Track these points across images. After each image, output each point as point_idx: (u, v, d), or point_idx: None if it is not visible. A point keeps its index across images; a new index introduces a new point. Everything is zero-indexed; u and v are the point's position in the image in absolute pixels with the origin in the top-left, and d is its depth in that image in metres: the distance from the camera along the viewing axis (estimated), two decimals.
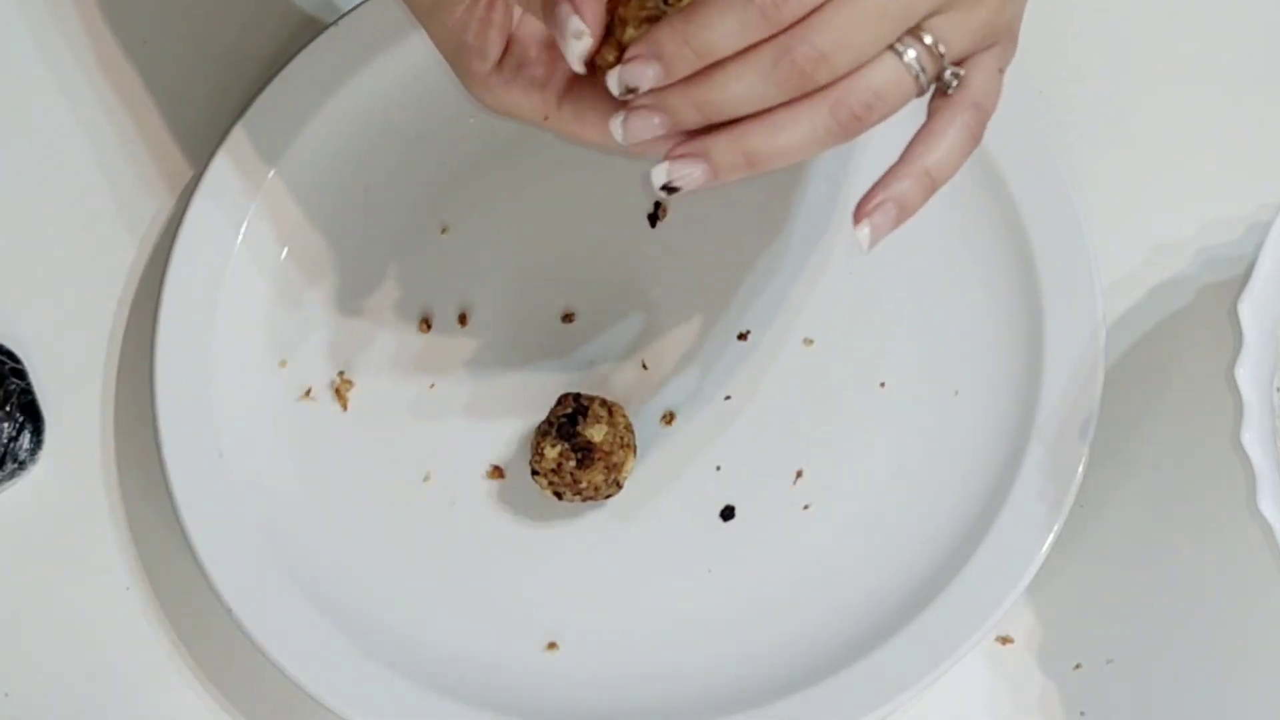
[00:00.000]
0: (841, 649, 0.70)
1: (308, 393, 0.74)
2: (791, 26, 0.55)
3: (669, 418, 0.74)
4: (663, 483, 0.73)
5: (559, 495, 0.70)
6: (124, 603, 0.73)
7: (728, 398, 0.74)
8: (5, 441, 0.73)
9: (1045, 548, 0.69)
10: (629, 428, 0.71)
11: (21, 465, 0.74)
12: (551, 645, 0.71)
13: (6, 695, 0.73)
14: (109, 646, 0.73)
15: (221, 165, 0.74)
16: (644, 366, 0.74)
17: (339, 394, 0.74)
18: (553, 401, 0.71)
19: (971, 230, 0.74)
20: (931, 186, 0.59)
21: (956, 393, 0.73)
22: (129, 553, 0.74)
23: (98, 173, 0.77)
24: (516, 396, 0.74)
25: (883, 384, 0.73)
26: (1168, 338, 0.74)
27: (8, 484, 0.74)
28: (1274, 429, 0.65)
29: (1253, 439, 0.64)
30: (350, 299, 0.75)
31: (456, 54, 0.61)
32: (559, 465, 0.69)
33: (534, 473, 0.70)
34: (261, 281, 0.74)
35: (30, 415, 0.74)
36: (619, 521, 0.73)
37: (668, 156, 0.58)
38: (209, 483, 0.71)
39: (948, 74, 0.57)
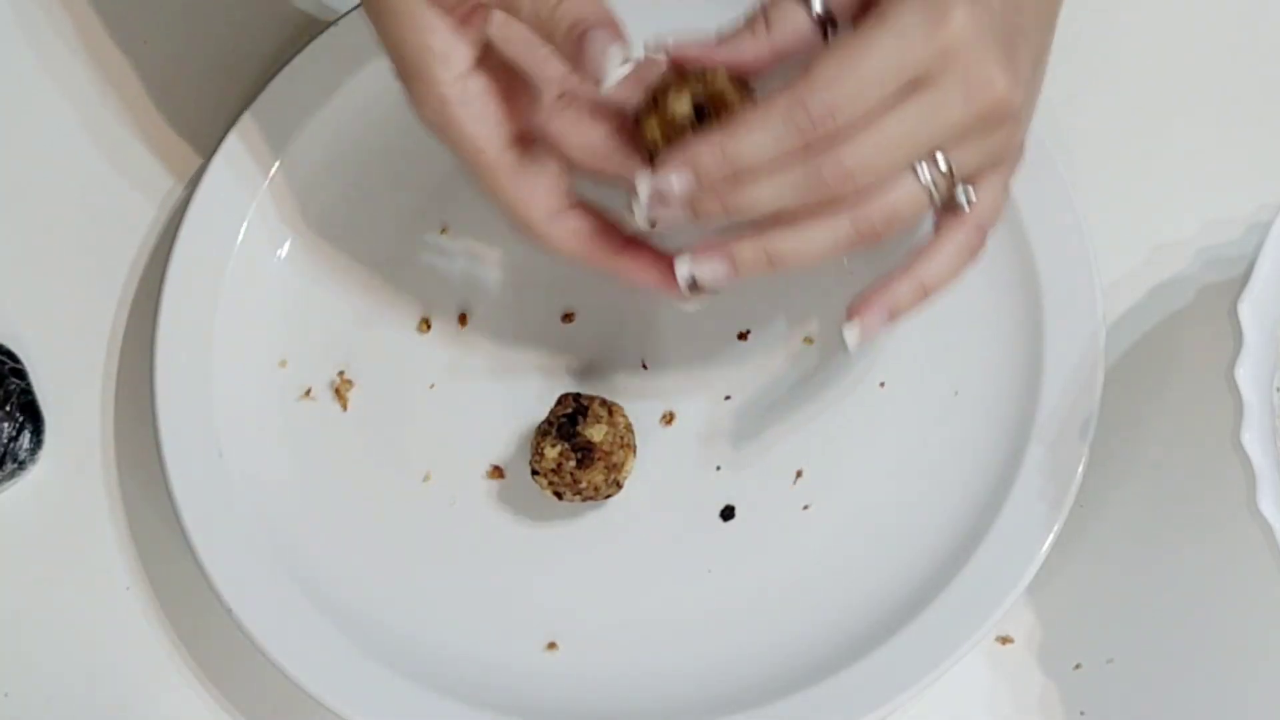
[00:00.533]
0: (841, 649, 0.70)
1: (308, 392, 0.74)
2: (828, 156, 0.58)
3: (669, 418, 0.74)
4: (663, 483, 0.73)
5: (559, 495, 0.70)
6: (124, 603, 0.73)
7: (728, 398, 0.74)
8: (5, 441, 0.73)
9: (1045, 548, 0.69)
10: (629, 428, 0.71)
11: (21, 465, 0.74)
12: (551, 645, 0.71)
13: (6, 695, 0.73)
14: (109, 646, 0.73)
15: (222, 165, 0.74)
16: (644, 366, 0.74)
17: (339, 394, 0.74)
18: (553, 401, 0.71)
19: None
20: (925, 296, 0.62)
21: (956, 393, 0.73)
22: (129, 553, 0.74)
23: (97, 173, 0.77)
24: (516, 396, 0.74)
25: (883, 384, 0.73)
26: (1168, 338, 0.74)
27: (8, 484, 0.74)
28: (1274, 429, 0.65)
29: (1253, 439, 0.64)
30: (350, 299, 0.75)
31: (420, 56, 0.61)
32: (559, 465, 0.69)
33: (534, 473, 0.70)
34: (261, 281, 0.74)
35: (30, 415, 0.74)
36: (619, 521, 0.73)
37: (694, 252, 0.61)
38: (209, 483, 0.71)
39: (959, 195, 0.61)
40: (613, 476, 0.70)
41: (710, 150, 0.58)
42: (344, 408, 0.74)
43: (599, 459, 0.69)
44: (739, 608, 0.72)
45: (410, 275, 0.75)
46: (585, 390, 0.72)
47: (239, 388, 0.73)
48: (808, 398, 0.73)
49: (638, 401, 0.73)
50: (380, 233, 0.75)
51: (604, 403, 0.70)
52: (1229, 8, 0.77)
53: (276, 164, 0.74)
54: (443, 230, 0.75)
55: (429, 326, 0.75)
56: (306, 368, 0.74)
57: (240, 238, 0.74)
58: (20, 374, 0.74)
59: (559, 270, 0.75)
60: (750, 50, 0.61)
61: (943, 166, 0.59)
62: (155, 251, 0.76)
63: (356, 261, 0.75)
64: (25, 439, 0.74)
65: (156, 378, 0.72)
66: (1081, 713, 0.71)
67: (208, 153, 0.75)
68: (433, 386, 0.74)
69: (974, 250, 0.62)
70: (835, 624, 0.70)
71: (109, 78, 0.77)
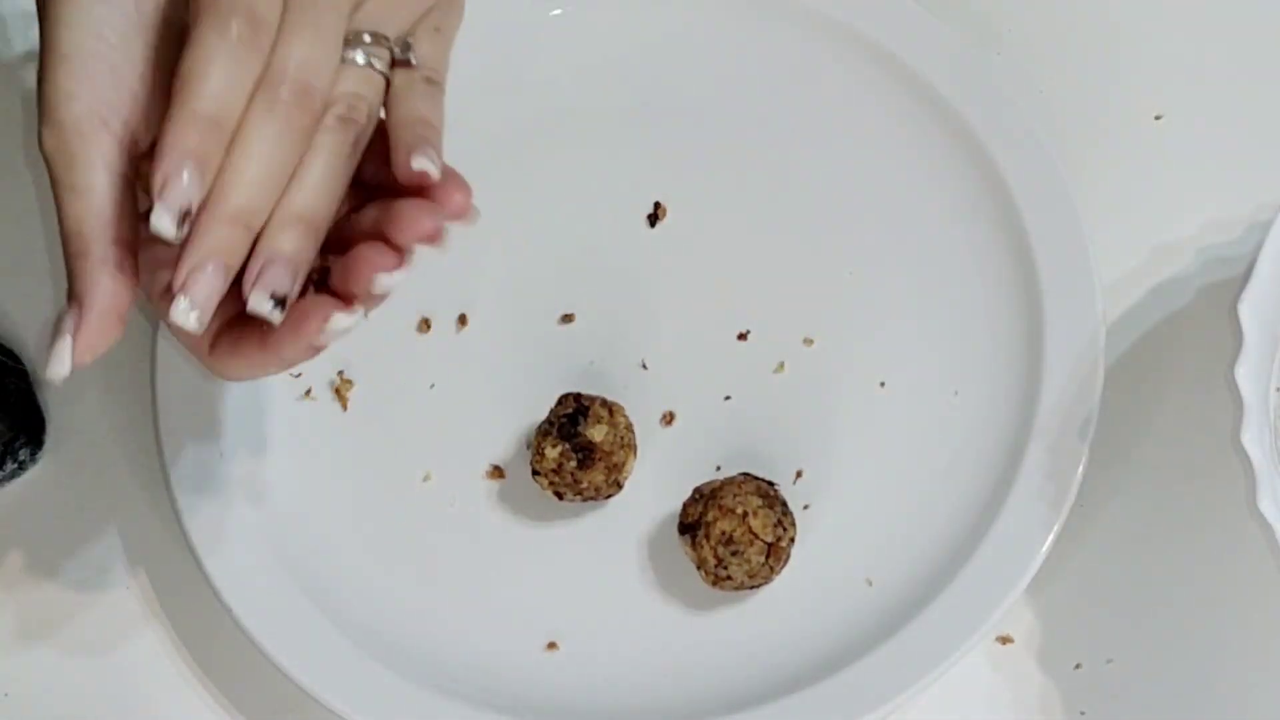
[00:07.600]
0: (842, 649, 0.70)
1: (308, 393, 0.74)
2: (270, 72, 0.56)
3: (669, 418, 0.74)
4: (663, 483, 0.73)
5: (559, 495, 0.70)
6: (124, 603, 0.73)
7: (728, 398, 0.74)
8: (5, 441, 0.73)
9: (1045, 548, 0.69)
10: (629, 428, 0.71)
11: (21, 465, 0.74)
12: (551, 645, 0.71)
13: (6, 695, 0.73)
14: (109, 646, 0.73)
15: None
16: (644, 366, 0.74)
17: (339, 394, 0.74)
18: (553, 401, 0.71)
19: (971, 230, 0.74)
20: (423, 145, 0.59)
21: (956, 393, 0.73)
22: (129, 553, 0.74)
23: None
24: (516, 396, 0.74)
25: (883, 384, 0.73)
26: (1168, 338, 0.74)
27: (8, 484, 0.74)
28: (1273, 429, 0.65)
29: (1252, 439, 0.64)
30: None
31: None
32: (560, 465, 0.69)
33: (534, 473, 0.70)
34: None
35: (30, 415, 0.74)
36: (619, 521, 0.73)
37: (251, 282, 0.56)
38: (209, 483, 0.71)
39: (398, 52, 0.59)
40: (613, 476, 0.70)
41: (181, 114, 0.54)
42: (344, 408, 0.74)
43: (600, 459, 0.69)
44: (739, 607, 0.72)
45: (410, 275, 0.75)
46: (585, 390, 0.72)
47: (239, 387, 0.73)
48: (808, 398, 0.73)
49: (638, 401, 0.73)
50: None
51: (605, 403, 0.71)
52: (1229, 8, 0.77)
53: None
54: None
55: (429, 326, 0.75)
56: (307, 367, 0.74)
57: None
58: (20, 374, 0.74)
59: (559, 271, 0.75)
60: None
61: (366, 39, 0.58)
62: None
63: None
64: (25, 439, 0.73)
65: (156, 378, 0.72)
66: (1081, 713, 0.71)
67: None
68: (433, 386, 0.74)
69: (436, 98, 0.60)
70: (835, 624, 0.71)
71: None
